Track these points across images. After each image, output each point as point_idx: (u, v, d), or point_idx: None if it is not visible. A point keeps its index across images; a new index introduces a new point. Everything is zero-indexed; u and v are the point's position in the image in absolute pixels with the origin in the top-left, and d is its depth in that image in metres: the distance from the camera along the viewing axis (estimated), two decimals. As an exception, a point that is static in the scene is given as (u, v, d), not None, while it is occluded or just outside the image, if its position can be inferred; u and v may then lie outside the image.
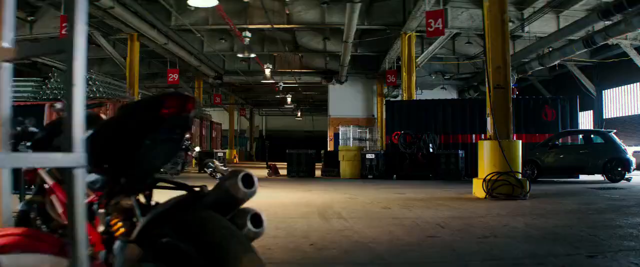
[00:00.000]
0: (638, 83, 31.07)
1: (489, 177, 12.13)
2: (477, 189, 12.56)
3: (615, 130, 19.95)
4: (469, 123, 22.79)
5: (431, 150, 21.63)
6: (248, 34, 24.98)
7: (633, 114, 31.51)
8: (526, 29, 25.81)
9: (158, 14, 26.52)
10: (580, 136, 21.41)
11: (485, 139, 13.07)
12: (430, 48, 28.27)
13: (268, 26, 26.76)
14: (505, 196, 11.85)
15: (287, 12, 26.33)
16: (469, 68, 37.73)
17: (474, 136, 22.40)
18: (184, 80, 41.83)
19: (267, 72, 33.74)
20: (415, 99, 26.07)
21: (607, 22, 22.61)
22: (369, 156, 22.04)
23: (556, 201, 11.67)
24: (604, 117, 33.75)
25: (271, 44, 32.15)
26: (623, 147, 18.85)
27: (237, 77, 39.15)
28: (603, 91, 34.44)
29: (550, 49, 27.93)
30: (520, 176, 12.37)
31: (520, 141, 12.79)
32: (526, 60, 30.35)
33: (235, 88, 49.35)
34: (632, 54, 27.38)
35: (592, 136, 20.34)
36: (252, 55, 27.21)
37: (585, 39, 23.90)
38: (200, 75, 39.62)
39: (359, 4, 20.74)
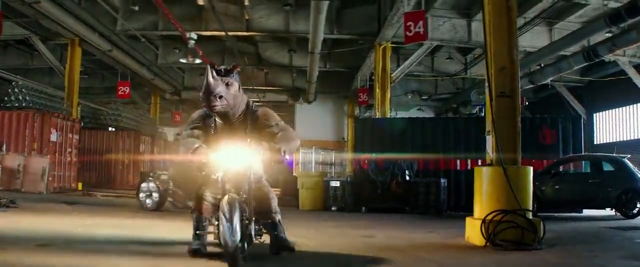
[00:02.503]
0: (637, 104, 28.04)
1: (490, 218, 8.76)
2: (473, 232, 9.19)
3: (629, 156, 16.79)
4: (453, 146, 19.32)
5: (408, 177, 18.19)
6: (193, 35, 21.80)
7: (630, 138, 28.46)
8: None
9: (101, 17, 23.71)
10: (585, 162, 18.21)
11: (484, 164, 9.77)
12: (407, 62, 25.19)
13: (224, 33, 23.69)
14: (512, 245, 8.50)
15: (247, 17, 23.38)
16: (448, 87, 35.03)
17: (458, 161, 18.95)
18: (140, 95, 39.06)
19: (223, 84, 30.55)
20: (388, 116, 22.92)
21: (608, 34, 19.96)
22: (333, 183, 18.55)
23: (584, 253, 8.40)
24: (596, 143, 30.86)
25: (232, 57, 29.11)
26: (639, 176, 15.68)
27: (197, 93, 35.98)
28: (594, 114, 31.52)
29: (541, 66, 25.06)
30: (530, 215, 9.06)
31: (531, 168, 9.49)
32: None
33: (197, 105, 46.20)
34: (631, 72, 24.49)
35: (602, 162, 17.05)
36: (197, 60, 24.07)
37: (586, 51, 20.94)
38: (157, 90, 36.51)
39: (326, 2, 17.59)
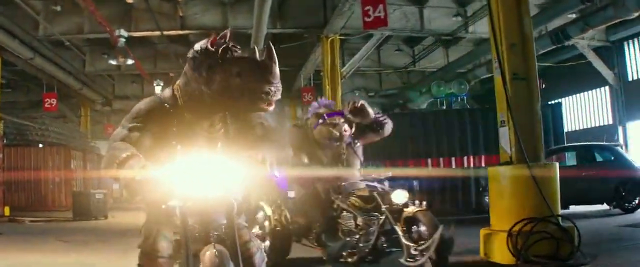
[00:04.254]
0: (594, 90, 26.88)
1: (518, 229, 7.02)
2: (494, 247, 7.39)
3: (621, 143, 15.34)
4: (423, 144, 17.02)
5: (374, 181, 16.27)
6: (123, 33, 19.68)
7: (591, 126, 27.24)
8: (470, 28, 21.84)
9: (21, 21, 21.41)
10: (571, 153, 16.56)
11: (500, 164, 7.98)
12: (357, 56, 23.53)
13: (158, 33, 21.75)
14: (549, 260, 6.80)
15: (181, 14, 21.61)
16: (395, 82, 33.28)
17: (429, 160, 16.75)
18: (69, 107, 36.79)
19: (158, 90, 28.42)
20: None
21: (572, 15, 18.62)
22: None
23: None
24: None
25: (165, 61, 27.16)
26: (636, 165, 14.20)
27: (129, 102, 33.75)
28: (549, 102, 30.34)
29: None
30: (560, 221, 7.36)
31: (557, 164, 7.81)
32: (463, 70, 26.16)
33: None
34: (591, 56, 23.35)
35: (594, 152, 15.48)
36: (129, 61, 22.08)
37: (554, 33, 19.55)
38: (86, 101, 34.26)
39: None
